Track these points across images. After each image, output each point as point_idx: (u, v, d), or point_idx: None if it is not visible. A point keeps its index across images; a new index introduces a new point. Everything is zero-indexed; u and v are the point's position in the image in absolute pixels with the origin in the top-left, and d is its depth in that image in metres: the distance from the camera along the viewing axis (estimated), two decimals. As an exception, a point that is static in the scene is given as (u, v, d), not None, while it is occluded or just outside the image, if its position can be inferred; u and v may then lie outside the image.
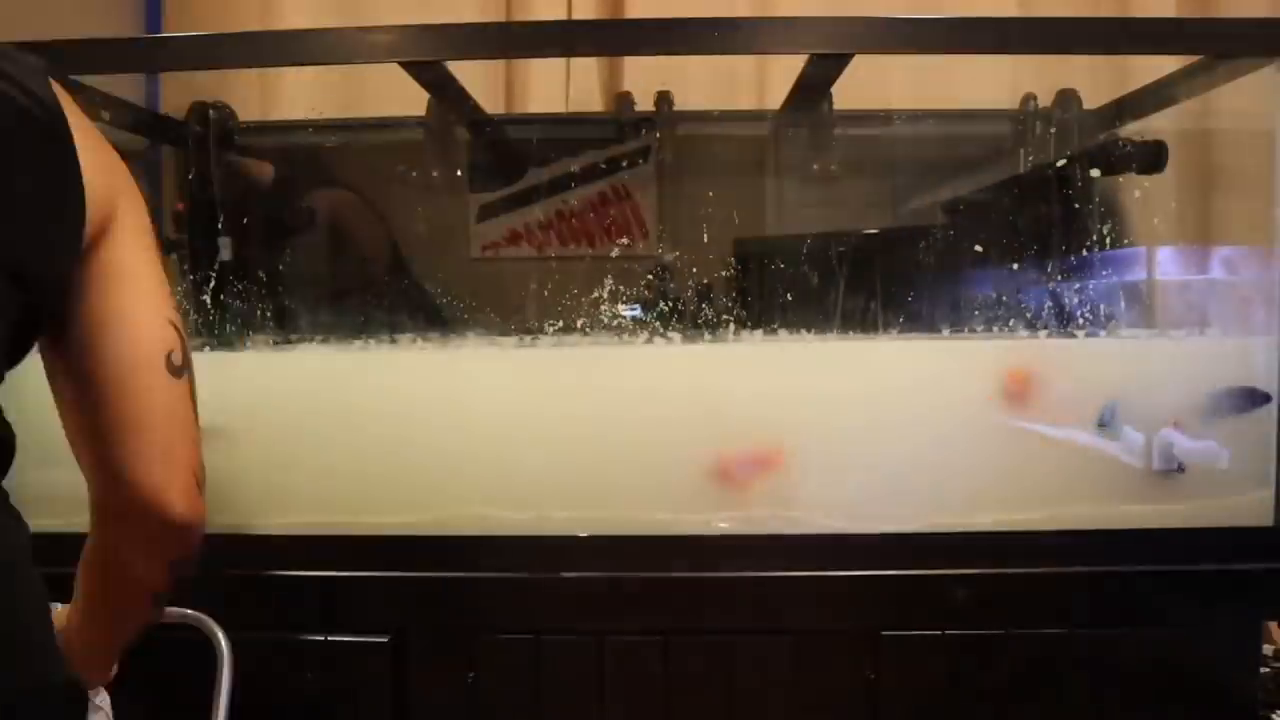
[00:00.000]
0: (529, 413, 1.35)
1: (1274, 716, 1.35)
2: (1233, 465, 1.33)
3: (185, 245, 1.66)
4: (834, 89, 1.64)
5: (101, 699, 0.95)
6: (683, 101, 1.89)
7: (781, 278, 1.59)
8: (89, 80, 1.39)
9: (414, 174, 1.82)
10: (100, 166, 0.77)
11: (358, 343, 1.46)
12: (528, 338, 1.43)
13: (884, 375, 1.37)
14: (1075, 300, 1.46)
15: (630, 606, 1.30)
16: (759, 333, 1.42)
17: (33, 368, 0.79)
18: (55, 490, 0.92)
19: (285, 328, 1.54)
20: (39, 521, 0.79)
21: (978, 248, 1.55)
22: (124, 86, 1.71)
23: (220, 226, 1.55)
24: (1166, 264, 1.49)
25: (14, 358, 0.76)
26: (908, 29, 1.31)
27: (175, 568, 0.85)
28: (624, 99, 1.96)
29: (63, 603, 0.88)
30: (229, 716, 1.10)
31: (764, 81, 2.01)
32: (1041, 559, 1.28)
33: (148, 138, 1.77)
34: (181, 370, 0.81)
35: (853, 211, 1.84)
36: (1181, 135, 1.70)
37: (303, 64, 1.31)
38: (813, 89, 1.62)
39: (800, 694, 1.29)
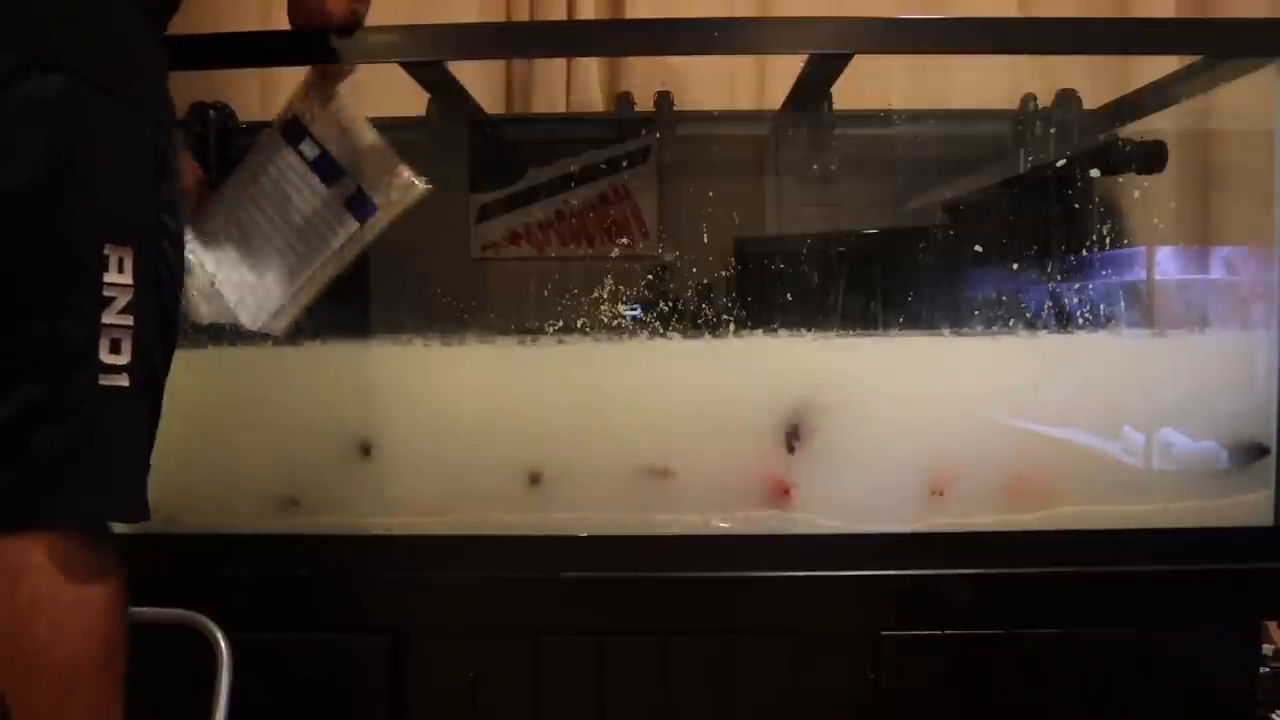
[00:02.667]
0: (529, 412, 1.35)
1: (1274, 717, 1.35)
2: (1233, 465, 1.33)
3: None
4: (834, 89, 1.64)
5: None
6: (683, 101, 1.89)
7: (781, 277, 1.59)
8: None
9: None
10: None
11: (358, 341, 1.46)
12: (528, 337, 1.43)
13: (884, 374, 1.37)
14: (1075, 300, 1.46)
15: (630, 606, 1.30)
16: (759, 331, 1.41)
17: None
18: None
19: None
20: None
21: (977, 248, 1.55)
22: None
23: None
24: (1166, 264, 1.49)
25: None
26: (908, 29, 1.31)
27: None
28: (624, 99, 1.96)
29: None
30: (229, 716, 1.10)
31: (764, 81, 2.01)
32: (1041, 559, 1.28)
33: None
34: None
35: (853, 211, 1.84)
36: (1181, 135, 1.70)
37: (303, 64, 1.31)
38: (813, 89, 1.62)
39: (800, 694, 1.29)
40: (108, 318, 0.87)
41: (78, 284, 0.86)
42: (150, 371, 0.93)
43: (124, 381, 0.88)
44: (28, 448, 0.84)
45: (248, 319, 1.30)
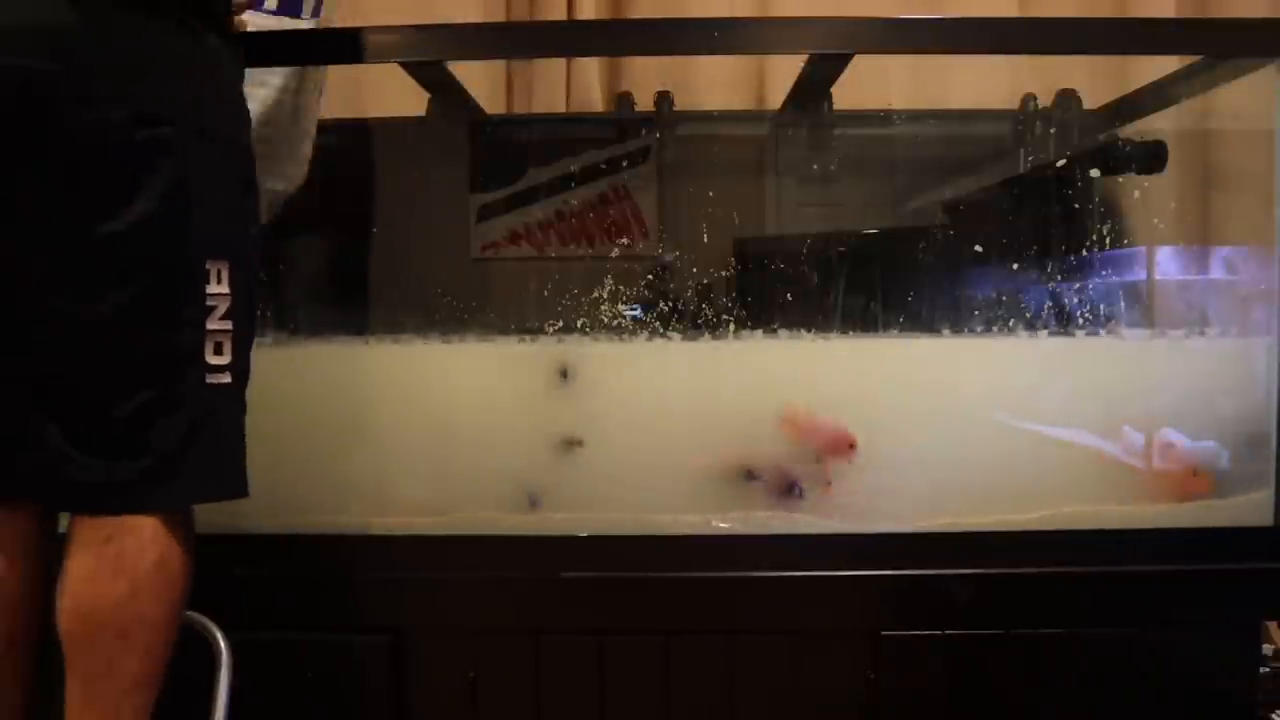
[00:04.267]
0: (529, 412, 1.35)
1: (1274, 717, 1.35)
2: (1233, 465, 1.33)
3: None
4: (834, 89, 1.64)
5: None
6: (683, 101, 1.89)
7: (781, 277, 1.59)
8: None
9: (414, 174, 1.82)
10: None
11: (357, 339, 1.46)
12: (528, 336, 1.43)
13: (885, 374, 1.37)
14: (1075, 300, 1.46)
15: (630, 606, 1.30)
16: (759, 332, 1.41)
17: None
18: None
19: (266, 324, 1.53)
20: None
21: (977, 248, 1.55)
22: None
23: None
24: (1166, 264, 1.49)
25: None
26: (908, 29, 1.31)
27: None
28: (624, 99, 1.96)
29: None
30: (229, 716, 1.10)
31: (764, 81, 2.01)
32: (1041, 559, 1.28)
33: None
34: None
35: (853, 211, 1.84)
36: (1181, 135, 1.70)
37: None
38: (813, 89, 1.62)
39: (800, 694, 1.29)
40: (211, 324, 0.98)
41: (189, 296, 0.97)
42: (246, 367, 1.03)
43: (227, 379, 1.00)
44: (147, 441, 0.94)
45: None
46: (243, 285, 1.01)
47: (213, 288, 0.98)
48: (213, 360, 0.98)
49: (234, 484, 1.03)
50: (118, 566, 0.93)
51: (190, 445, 0.97)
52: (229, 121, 1.04)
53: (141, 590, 0.94)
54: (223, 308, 0.99)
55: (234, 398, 1.02)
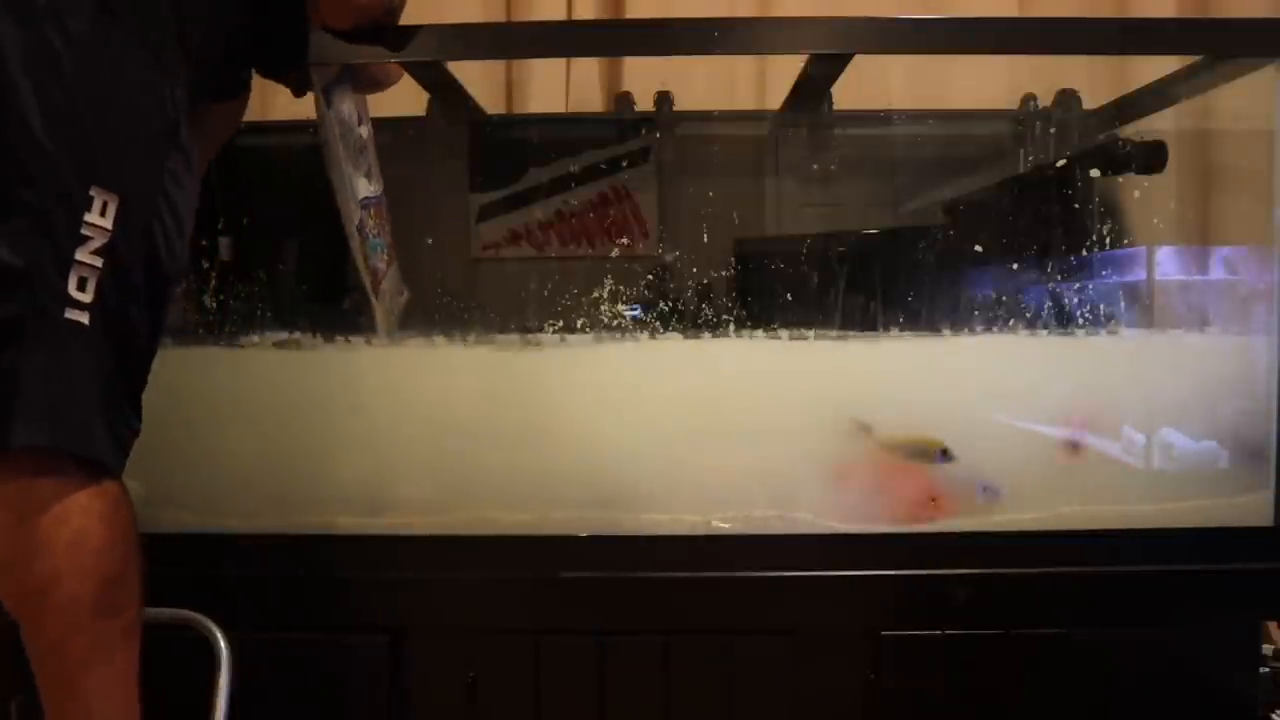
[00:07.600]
0: (530, 412, 1.35)
1: (1274, 716, 1.35)
2: (1233, 465, 1.33)
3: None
4: (834, 89, 1.64)
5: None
6: (683, 101, 1.89)
7: (781, 277, 1.59)
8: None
9: (414, 174, 1.82)
10: None
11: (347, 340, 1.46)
12: (528, 336, 1.43)
13: (885, 375, 1.37)
14: (1074, 300, 1.46)
15: (630, 606, 1.30)
16: (759, 332, 1.42)
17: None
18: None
19: (266, 325, 1.53)
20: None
21: (977, 248, 1.55)
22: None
23: (220, 226, 1.55)
24: (1166, 264, 1.49)
25: None
26: (908, 29, 1.31)
27: None
28: (624, 99, 1.96)
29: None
30: (228, 716, 1.10)
31: (764, 81, 2.01)
32: (1042, 559, 1.28)
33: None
34: None
35: (853, 211, 1.84)
36: (1181, 135, 1.69)
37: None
38: (813, 89, 1.62)
39: (800, 694, 1.29)
40: (80, 255, 0.88)
41: (62, 214, 0.88)
42: (115, 323, 0.92)
43: (84, 319, 0.89)
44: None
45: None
46: (135, 232, 0.91)
47: (92, 217, 0.88)
48: (74, 294, 0.88)
49: (75, 435, 0.89)
50: (34, 550, 0.87)
51: (30, 376, 0.86)
52: (169, 47, 0.96)
53: (63, 572, 0.88)
54: (98, 242, 0.88)
55: (89, 344, 0.90)
